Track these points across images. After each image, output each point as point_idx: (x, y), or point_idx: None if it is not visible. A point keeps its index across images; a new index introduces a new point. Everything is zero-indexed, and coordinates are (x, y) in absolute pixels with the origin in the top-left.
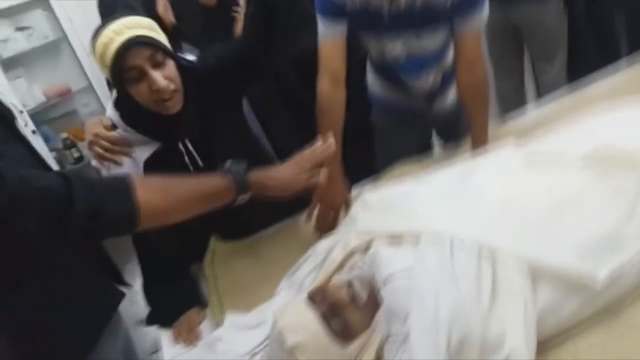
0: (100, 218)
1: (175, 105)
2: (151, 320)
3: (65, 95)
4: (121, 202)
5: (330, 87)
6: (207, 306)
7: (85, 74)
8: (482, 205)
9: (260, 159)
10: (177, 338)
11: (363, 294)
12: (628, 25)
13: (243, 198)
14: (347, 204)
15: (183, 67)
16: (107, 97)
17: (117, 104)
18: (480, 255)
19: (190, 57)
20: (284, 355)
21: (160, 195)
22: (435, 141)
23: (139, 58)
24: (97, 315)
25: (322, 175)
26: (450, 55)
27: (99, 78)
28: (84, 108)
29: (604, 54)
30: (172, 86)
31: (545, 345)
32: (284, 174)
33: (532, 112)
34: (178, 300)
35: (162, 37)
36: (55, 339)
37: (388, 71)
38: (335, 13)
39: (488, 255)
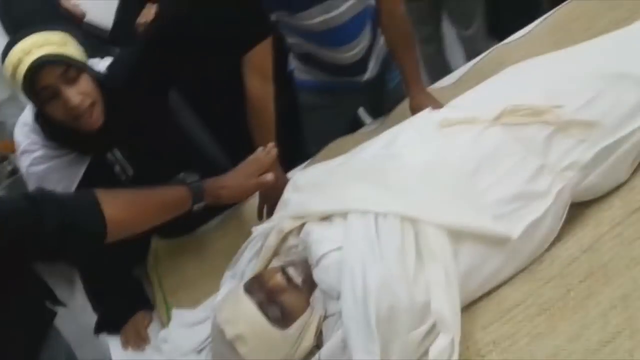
0: (71, 234)
1: (95, 119)
2: (99, 328)
3: None
4: (90, 217)
5: (260, 85)
6: (153, 308)
7: (7, 83)
8: (403, 174)
9: (191, 155)
10: (126, 343)
11: (298, 277)
12: None
13: (199, 206)
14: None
15: (100, 78)
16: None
17: (38, 120)
18: (403, 226)
19: (102, 64)
20: (226, 347)
21: (124, 208)
22: (364, 118)
23: (51, 77)
24: (32, 334)
25: (269, 177)
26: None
27: None
28: (10, 119)
29: (523, 11)
30: (88, 101)
31: (472, 304)
32: (234, 182)
33: (453, 74)
34: (123, 304)
35: (74, 51)
36: None
37: (319, 51)
38: (271, 6)
39: (410, 225)
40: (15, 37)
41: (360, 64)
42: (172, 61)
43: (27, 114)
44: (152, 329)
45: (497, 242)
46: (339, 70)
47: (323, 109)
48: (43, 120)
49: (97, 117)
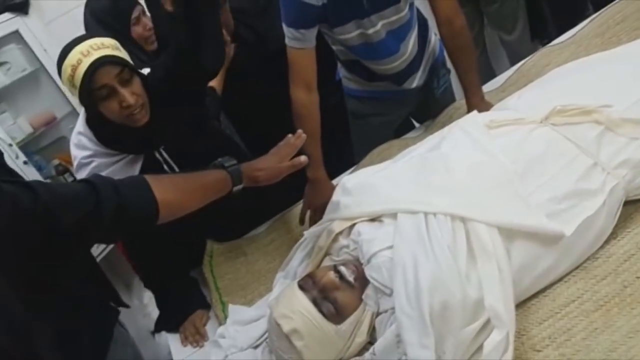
0: (126, 216)
1: (143, 117)
2: (159, 327)
3: (51, 123)
4: (143, 200)
5: (305, 95)
6: (210, 308)
7: (67, 99)
8: (451, 175)
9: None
10: (185, 340)
11: (350, 275)
12: None
13: (238, 189)
14: None
15: (145, 80)
16: None
17: (89, 123)
18: (454, 225)
19: (145, 70)
20: (283, 342)
21: (172, 191)
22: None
23: (108, 77)
24: (100, 332)
25: (302, 159)
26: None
27: None
28: (71, 133)
29: (565, 16)
30: (140, 101)
31: (526, 301)
32: (269, 163)
33: (499, 79)
34: (182, 304)
35: (126, 55)
36: (65, 355)
37: (362, 62)
38: (309, 23)
39: (461, 224)
40: (70, 43)
41: (405, 74)
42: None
43: (80, 123)
44: (210, 327)
45: (550, 240)
46: (384, 78)
47: (370, 117)
48: (94, 123)
49: (145, 115)
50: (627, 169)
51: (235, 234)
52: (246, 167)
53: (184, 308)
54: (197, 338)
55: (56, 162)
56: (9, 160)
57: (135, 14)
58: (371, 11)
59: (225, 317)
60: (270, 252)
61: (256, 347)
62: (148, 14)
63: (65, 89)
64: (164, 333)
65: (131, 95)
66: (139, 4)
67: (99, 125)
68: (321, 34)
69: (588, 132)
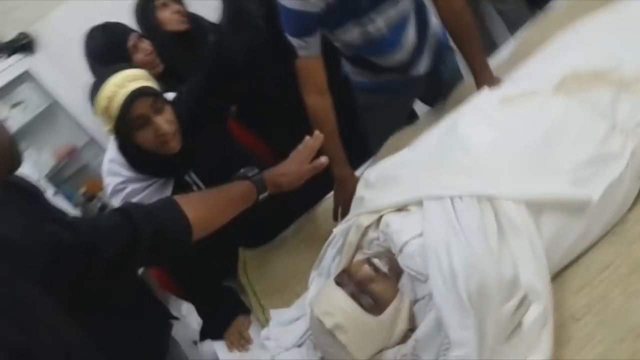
0: (163, 238)
1: (177, 144)
2: (204, 335)
3: (72, 153)
4: (176, 221)
5: (318, 100)
6: (250, 312)
7: (84, 129)
8: (471, 155)
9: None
10: (231, 346)
11: (384, 266)
12: None
13: (264, 197)
14: None
15: (176, 108)
16: None
17: (122, 150)
18: (481, 205)
19: (170, 95)
20: (327, 337)
21: (201, 208)
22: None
23: (143, 107)
24: (157, 346)
25: (323, 160)
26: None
27: (99, 130)
28: (93, 160)
29: None
30: (173, 128)
31: (560, 272)
32: (290, 168)
33: (501, 51)
34: (223, 311)
35: (156, 85)
36: None
37: (366, 57)
38: (311, 30)
39: (488, 203)
40: (102, 75)
41: (411, 62)
42: (228, 87)
43: (111, 150)
44: (252, 331)
45: (578, 207)
46: (389, 69)
47: (380, 107)
48: (128, 150)
49: (178, 142)
50: None
51: (264, 239)
52: (269, 174)
53: (226, 315)
54: (242, 342)
55: (83, 190)
56: None
57: (131, 42)
58: (369, 8)
59: (266, 320)
60: (301, 252)
61: (300, 345)
62: (145, 39)
63: (80, 119)
64: (208, 341)
65: (165, 123)
66: (133, 31)
67: (132, 152)
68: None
69: (603, 94)
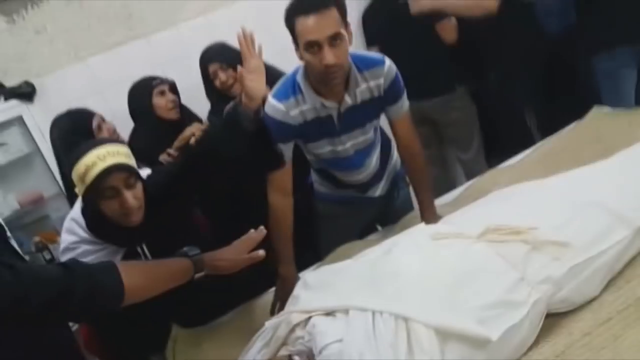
0: (95, 298)
1: (138, 219)
2: None
3: (38, 202)
4: (112, 286)
5: (280, 199)
6: None
7: (56, 181)
8: (398, 279)
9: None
10: None
11: None
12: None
13: (200, 276)
14: None
15: (145, 185)
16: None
17: (84, 213)
18: (397, 324)
19: (145, 171)
20: None
21: (139, 277)
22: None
23: (117, 180)
24: None
25: (260, 253)
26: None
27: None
28: (55, 213)
29: (517, 140)
30: (138, 204)
31: None
32: (229, 255)
33: (452, 193)
34: None
35: (134, 163)
36: None
37: (331, 171)
38: (287, 139)
39: (403, 323)
40: (88, 144)
41: (369, 185)
42: (206, 173)
43: (75, 211)
44: None
45: (479, 343)
46: (351, 187)
47: (336, 218)
48: (89, 214)
49: (139, 217)
50: (549, 285)
51: (201, 320)
52: (208, 257)
53: None
54: None
55: (37, 239)
56: None
57: (95, 123)
58: (341, 132)
59: None
60: (232, 340)
61: None
62: (107, 120)
63: (56, 171)
64: None
65: (133, 198)
66: (95, 113)
67: (93, 217)
68: (298, 146)
69: (517, 249)
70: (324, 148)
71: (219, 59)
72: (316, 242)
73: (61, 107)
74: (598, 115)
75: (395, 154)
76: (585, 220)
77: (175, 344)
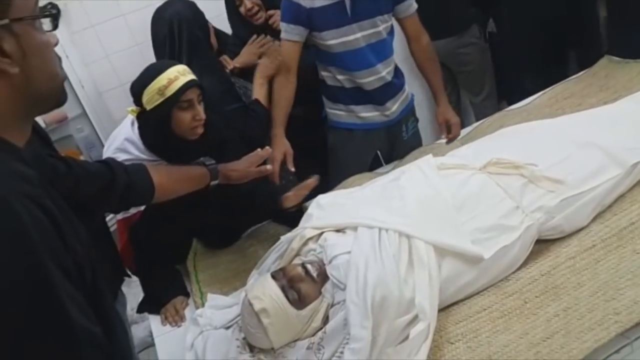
0: (132, 190)
1: (201, 132)
2: (142, 308)
3: (62, 121)
4: (144, 180)
5: (282, 79)
6: (189, 296)
7: (79, 102)
8: (404, 201)
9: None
10: (165, 320)
11: (314, 271)
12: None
13: (214, 183)
14: (286, 158)
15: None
16: (100, 123)
17: (143, 131)
18: (400, 240)
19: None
20: (253, 318)
21: (165, 177)
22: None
23: (193, 94)
24: (115, 277)
25: (268, 167)
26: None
27: (93, 106)
28: (78, 133)
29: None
30: (204, 119)
31: (448, 306)
32: (240, 167)
33: (462, 132)
34: (165, 289)
35: None
36: None
37: (344, 74)
38: (296, 20)
39: (405, 239)
40: (161, 63)
41: (385, 94)
42: None
43: (127, 130)
44: (188, 312)
45: (473, 260)
46: (363, 97)
47: (348, 149)
48: (152, 130)
49: (202, 131)
50: (542, 214)
51: (221, 244)
52: (222, 167)
53: (167, 293)
54: (176, 319)
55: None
56: None
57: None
58: (352, 19)
59: (203, 304)
60: (249, 254)
61: (228, 327)
62: None
63: (79, 92)
64: (145, 315)
65: (202, 112)
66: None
67: (156, 131)
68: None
69: (515, 181)
70: (335, 38)
71: None
72: (327, 174)
73: (84, 31)
74: (608, 64)
75: (407, 89)
76: (580, 158)
77: (195, 255)
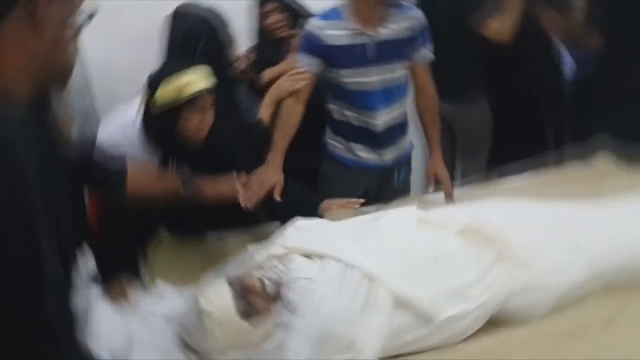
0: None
1: (204, 135)
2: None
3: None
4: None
5: (291, 103)
6: (140, 278)
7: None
8: (378, 244)
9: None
10: (110, 294)
11: (269, 288)
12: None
13: (187, 196)
14: (276, 189)
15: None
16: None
17: (150, 124)
18: (362, 280)
19: None
20: (196, 317)
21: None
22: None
23: (207, 100)
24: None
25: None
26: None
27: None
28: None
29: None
30: (210, 123)
31: (390, 357)
32: (219, 190)
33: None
34: (118, 265)
35: None
36: None
37: (351, 111)
38: (312, 51)
39: (367, 282)
40: (185, 62)
41: (386, 138)
42: None
43: (128, 120)
44: (135, 293)
45: (425, 319)
46: (365, 137)
47: (340, 181)
48: (160, 125)
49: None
50: (500, 295)
51: (188, 231)
52: (201, 183)
53: (119, 269)
54: (119, 296)
55: None
56: None
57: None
58: (372, 62)
59: (153, 285)
60: (213, 255)
61: (169, 320)
62: None
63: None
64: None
65: (211, 119)
66: None
67: (163, 127)
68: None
69: (487, 254)
70: (351, 77)
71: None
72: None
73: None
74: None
75: (409, 140)
76: (554, 250)
77: (160, 243)
